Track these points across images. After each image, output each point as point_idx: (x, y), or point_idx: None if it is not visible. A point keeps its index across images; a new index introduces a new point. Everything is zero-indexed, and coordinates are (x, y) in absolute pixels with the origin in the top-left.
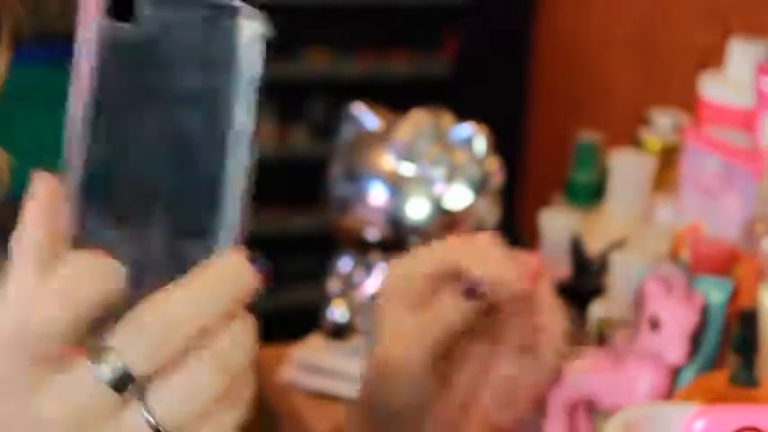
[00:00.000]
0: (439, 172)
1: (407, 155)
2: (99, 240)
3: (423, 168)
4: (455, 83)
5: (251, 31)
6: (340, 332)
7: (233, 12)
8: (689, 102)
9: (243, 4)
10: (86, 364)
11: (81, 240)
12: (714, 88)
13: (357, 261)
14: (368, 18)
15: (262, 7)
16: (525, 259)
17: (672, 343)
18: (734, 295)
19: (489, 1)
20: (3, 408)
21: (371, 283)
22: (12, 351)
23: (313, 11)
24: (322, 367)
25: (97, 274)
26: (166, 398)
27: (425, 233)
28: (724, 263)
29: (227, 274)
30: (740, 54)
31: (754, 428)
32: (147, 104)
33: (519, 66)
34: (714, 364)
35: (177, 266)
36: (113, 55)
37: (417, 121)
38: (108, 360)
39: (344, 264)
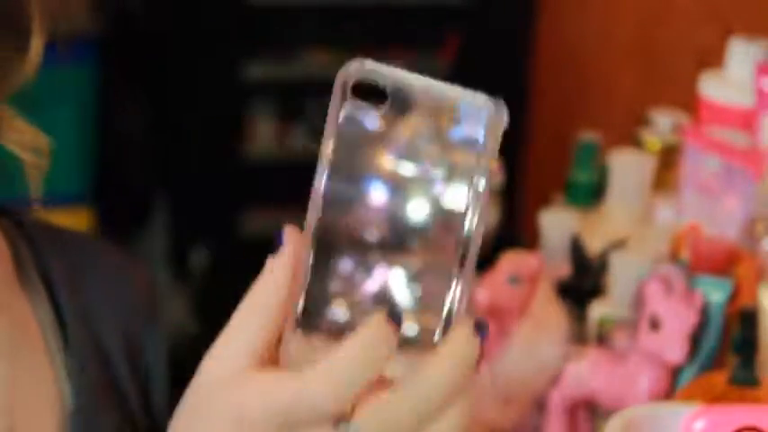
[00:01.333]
0: (439, 172)
1: (407, 155)
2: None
3: (423, 168)
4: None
5: (501, 122)
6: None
7: (489, 102)
8: (689, 102)
9: (484, 95)
10: (324, 427)
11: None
12: (714, 88)
13: (357, 261)
14: (368, 18)
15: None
16: (525, 259)
17: (672, 343)
18: (734, 295)
19: (489, 1)
20: None
21: (371, 283)
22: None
23: (313, 11)
24: None
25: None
26: None
27: (425, 233)
28: (724, 263)
29: (463, 356)
30: (740, 54)
31: (754, 428)
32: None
33: (519, 66)
34: (714, 364)
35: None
36: (357, 134)
37: (417, 121)
38: (341, 426)
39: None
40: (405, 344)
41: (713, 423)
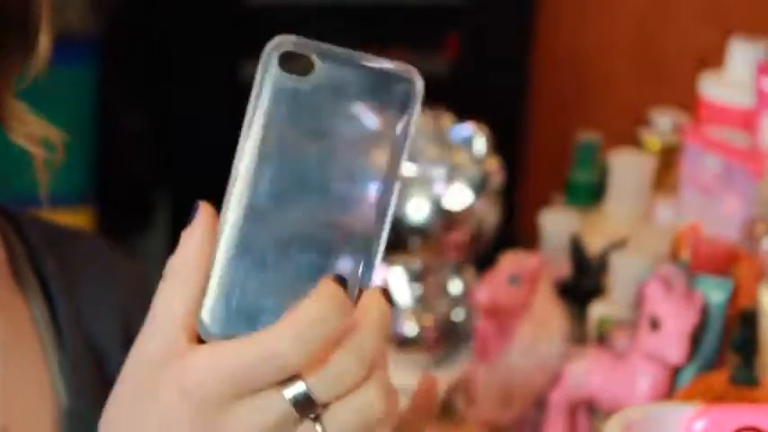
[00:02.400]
0: (439, 172)
1: (407, 155)
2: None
3: (423, 168)
4: (455, 83)
5: (419, 91)
6: None
7: (408, 72)
8: (689, 102)
9: (413, 69)
10: (276, 388)
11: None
12: (714, 88)
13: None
14: (368, 18)
15: None
16: (525, 259)
17: (672, 343)
18: (734, 295)
19: (489, 1)
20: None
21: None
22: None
23: (313, 11)
24: None
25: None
26: (341, 418)
27: (425, 233)
28: (724, 263)
29: (385, 312)
30: (740, 54)
31: (754, 428)
32: (313, 150)
33: (519, 66)
34: (714, 364)
35: None
36: (285, 105)
37: (417, 121)
38: (295, 386)
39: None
40: None
41: (713, 423)
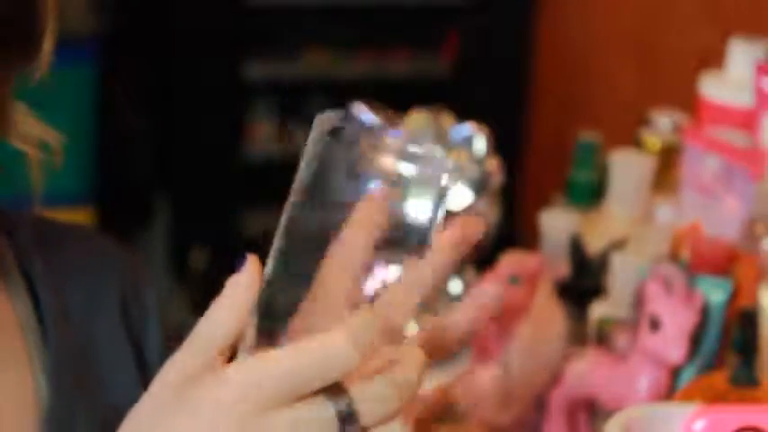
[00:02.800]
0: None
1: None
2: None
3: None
4: (455, 83)
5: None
6: None
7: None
8: (689, 102)
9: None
10: (323, 399)
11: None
12: (714, 88)
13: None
14: (368, 18)
15: None
16: (525, 259)
17: (672, 343)
18: (734, 295)
19: (489, 1)
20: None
21: (371, 284)
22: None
23: (313, 11)
24: None
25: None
26: None
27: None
28: (724, 263)
29: (424, 367)
30: (740, 54)
31: (754, 428)
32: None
33: (519, 66)
34: (714, 364)
35: None
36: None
37: (417, 121)
38: (341, 398)
39: None
40: None
41: (713, 423)
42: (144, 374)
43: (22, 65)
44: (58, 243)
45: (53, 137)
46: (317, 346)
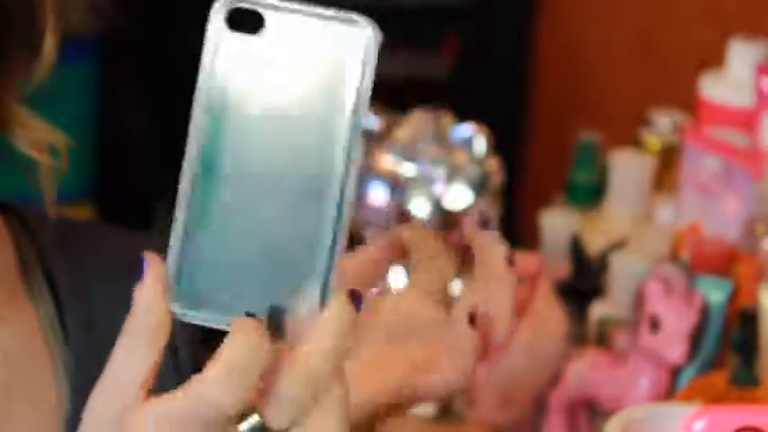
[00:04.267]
0: (439, 172)
1: (407, 155)
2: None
3: (423, 168)
4: (455, 83)
5: (369, 41)
6: None
7: (351, 22)
8: (689, 102)
9: (360, 16)
10: (232, 423)
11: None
12: (714, 88)
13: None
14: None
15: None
16: (525, 259)
17: (672, 343)
18: (734, 295)
19: (489, 1)
20: None
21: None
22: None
23: None
24: None
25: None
26: None
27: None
28: (724, 263)
29: (343, 320)
30: (740, 54)
31: (754, 428)
32: (270, 111)
33: (519, 66)
34: (714, 364)
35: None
36: (237, 65)
37: (417, 121)
38: (249, 419)
39: None
40: None
41: (713, 423)
42: (179, 375)
43: (23, 65)
44: (81, 244)
45: (60, 139)
46: (195, 394)
